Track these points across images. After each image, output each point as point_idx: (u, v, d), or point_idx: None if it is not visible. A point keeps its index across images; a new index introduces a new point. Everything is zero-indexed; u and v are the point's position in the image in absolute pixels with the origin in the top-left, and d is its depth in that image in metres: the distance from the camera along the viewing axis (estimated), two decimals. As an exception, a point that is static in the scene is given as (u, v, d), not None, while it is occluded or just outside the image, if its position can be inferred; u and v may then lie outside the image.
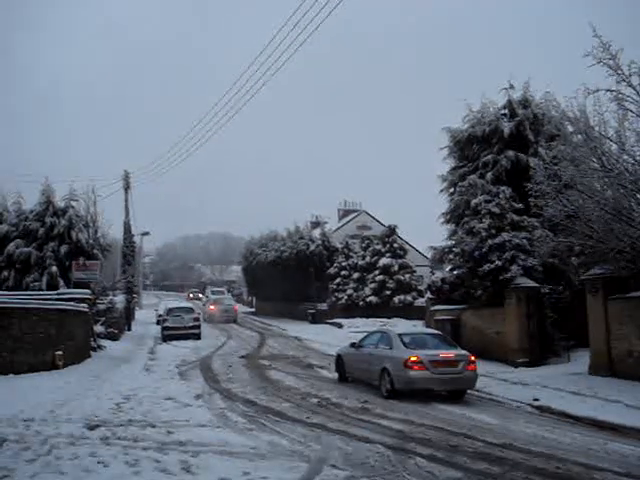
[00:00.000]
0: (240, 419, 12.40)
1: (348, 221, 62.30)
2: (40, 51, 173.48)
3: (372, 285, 42.40)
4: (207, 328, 38.61)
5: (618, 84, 15.77)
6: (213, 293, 63.08)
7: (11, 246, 27.15)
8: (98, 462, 8.59)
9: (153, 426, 11.22)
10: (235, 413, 13.10)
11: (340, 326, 39.35)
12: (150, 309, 58.68)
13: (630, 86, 15.62)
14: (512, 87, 25.82)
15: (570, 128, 18.94)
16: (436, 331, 19.25)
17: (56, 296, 22.70)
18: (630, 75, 15.51)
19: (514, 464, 9.18)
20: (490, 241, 21.87)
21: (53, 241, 27.44)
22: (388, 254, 42.69)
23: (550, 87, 23.71)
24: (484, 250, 21.98)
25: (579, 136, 17.94)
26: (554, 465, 9.13)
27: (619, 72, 15.60)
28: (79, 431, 10.59)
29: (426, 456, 9.50)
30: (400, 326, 28.53)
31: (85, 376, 18.19)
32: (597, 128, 16.92)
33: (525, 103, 25.65)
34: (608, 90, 15.97)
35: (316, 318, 44.94)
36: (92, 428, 10.90)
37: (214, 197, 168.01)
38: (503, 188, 23.03)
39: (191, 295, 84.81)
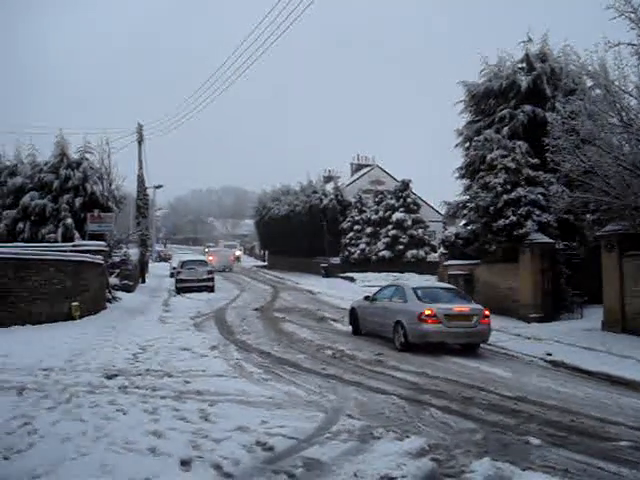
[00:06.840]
0: (256, 370, 12.52)
1: (361, 175, 61.90)
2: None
3: (385, 240, 42.38)
4: (220, 281, 38.80)
5: (639, 38, 15.48)
6: (225, 247, 63.78)
7: (26, 198, 27.26)
8: (117, 410, 8.70)
9: (170, 376, 11.35)
10: (251, 364, 13.23)
11: (353, 280, 39.50)
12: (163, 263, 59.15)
13: (651, 40, 15.32)
14: (530, 40, 25.39)
15: (589, 82, 18.63)
16: (450, 285, 19.26)
17: (71, 248, 22.81)
18: (652, 29, 15.20)
19: (528, 416, 9.26)
20: (505, 196, 21.75)
21: (68, 193, 27.48)
22: (401, 209, 42.57)
23: (569, 41, 23.36)
24: (499, 205, 21.86)
25: (598, 90, 17.68)
26: (568, 418, 9.20)
27: (641, 26, 15.28)
28: (97, 380, 10.73)
29: (441, 407, 9.59)
30: (413, 280, 28.54)
31: (101, 327, 18.38)
32: (617, 82, 16.60)
33: (543, 57, 25.21)
34: (629, 44, 15.67)
35: (329, 272, 45.09)
36: (110, 377, 11.05)
37: (228, 151, 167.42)
38: (519, 143, 22.80)
39: (207, 250, 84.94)
